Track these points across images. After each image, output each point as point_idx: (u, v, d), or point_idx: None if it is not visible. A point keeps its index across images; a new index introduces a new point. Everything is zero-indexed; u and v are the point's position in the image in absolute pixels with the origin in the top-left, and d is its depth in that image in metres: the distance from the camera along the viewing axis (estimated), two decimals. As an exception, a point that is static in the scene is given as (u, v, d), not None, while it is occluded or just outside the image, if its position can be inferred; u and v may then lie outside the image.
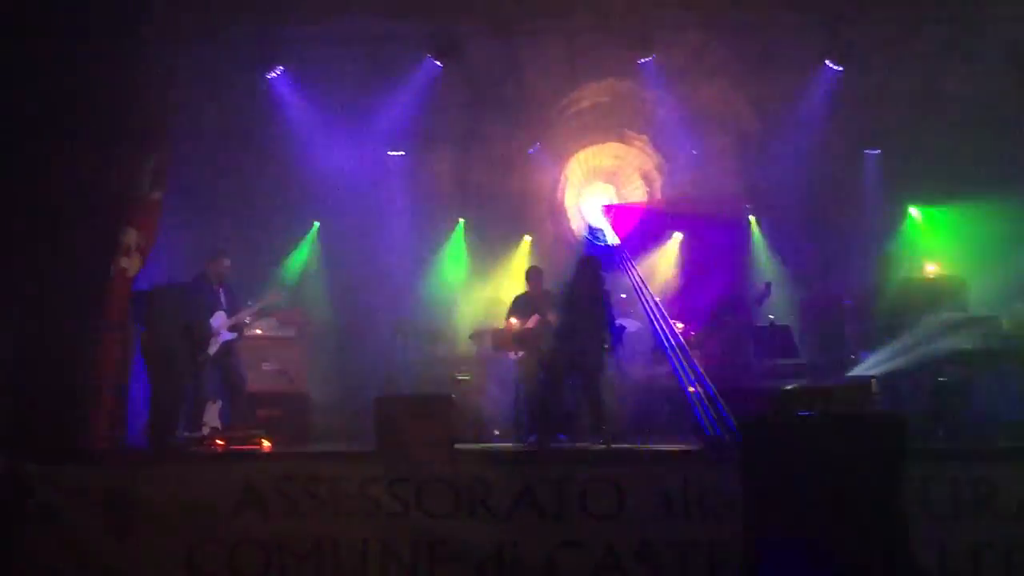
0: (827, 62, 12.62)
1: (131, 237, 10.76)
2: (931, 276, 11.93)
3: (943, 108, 13.06)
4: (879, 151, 14.25)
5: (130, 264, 10.77)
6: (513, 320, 12.06)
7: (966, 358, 10.86)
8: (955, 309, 11.18)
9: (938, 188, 13.65)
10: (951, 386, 10.77)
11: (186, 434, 10.68)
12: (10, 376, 9.55)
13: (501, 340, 12.23)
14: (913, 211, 14.41)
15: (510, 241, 15.05)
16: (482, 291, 14.65)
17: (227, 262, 11.75)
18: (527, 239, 15.03)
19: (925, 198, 14.20)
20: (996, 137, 12.77)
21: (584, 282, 11.03)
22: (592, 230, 15.06)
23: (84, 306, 10.16)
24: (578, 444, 10.49)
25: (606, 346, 11.04)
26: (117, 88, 10.53)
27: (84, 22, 10.23)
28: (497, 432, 12.12)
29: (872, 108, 13.51)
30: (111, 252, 10.55)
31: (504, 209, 14.87)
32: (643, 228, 14.93)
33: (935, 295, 11.37)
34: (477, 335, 13.10)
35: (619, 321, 12.79)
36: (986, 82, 12.09)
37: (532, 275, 12.64)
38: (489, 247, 15.03)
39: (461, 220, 15.24)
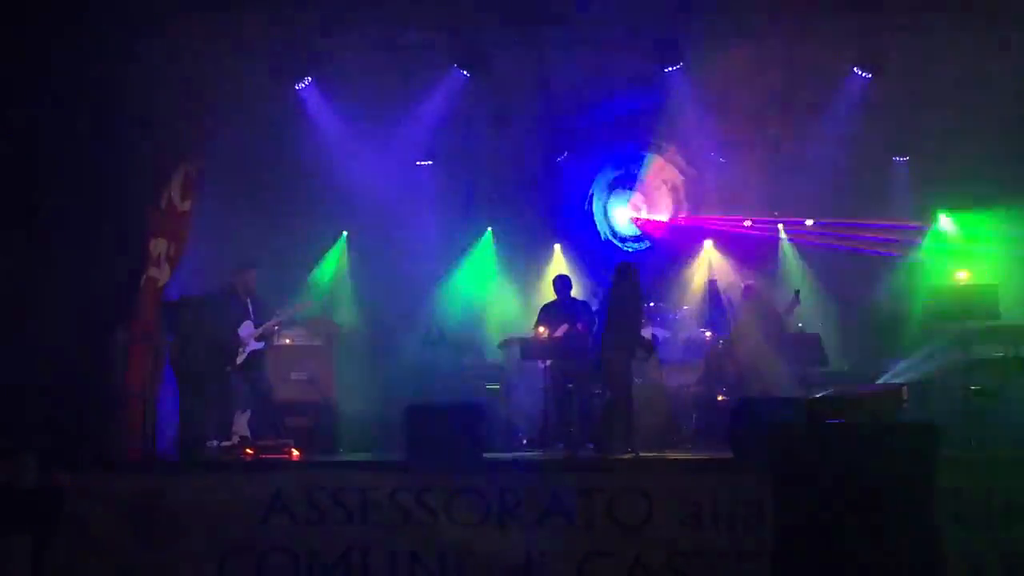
0: (856, 69, 12.55)
1: (161, 247, 10.83)
2: (962, 283, 11.83)
3: (972, 114, 12.98)
4: (908, 158, 14.19)
5: (160, 274, 10.84)
6: (542, 329, 12.04)
7: (997, 366, 10.79)
8: (986, 317, 11.10)
9: (968, 195, 13.60)
10: (983, 394, 10.70)
11: (216, 443, 10.72)
12: (42, 386, 9.62)
13: (530, 348, 12.21)
14: (943, 218, 14.35)
15: (540, 249, 15.06)
16: (512, 299, 14.67)
17: (255, 273, 11.80)
18: (557, 247, 15.04)
19: (955, 205, 14.14)
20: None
21: (624, 289, 10.96)
22: (622, 237, 15.10)
23: (114, 316, 10.23)
24: (606, 453, 10.46)
25: (638, 356, 10.99)
26: (148, 98, 10.61)
27: (118, 32, 10.33)
28: (525, 441, 12.11)
29: (901, 115, 13.45)
30: (142, 262, 10.62)
31: (533, 218, 14.90)
32: (673, 236, 14.96)
33: (966, 303, 11.29)
34: (506, 343, 13.08)
35: (651, 330, 12.81)
36: (1015, 88, 11.99)
37: (560, 283, 12.62)
38: (519, 255, 15.05)
39: (489, 228, 15.28)
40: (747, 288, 13.18)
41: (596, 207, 15.24)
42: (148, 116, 10.58)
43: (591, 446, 10.87)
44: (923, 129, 13.48)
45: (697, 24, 11.98)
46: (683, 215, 14.97)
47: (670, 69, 12.80)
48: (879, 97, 12.80)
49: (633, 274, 10.92)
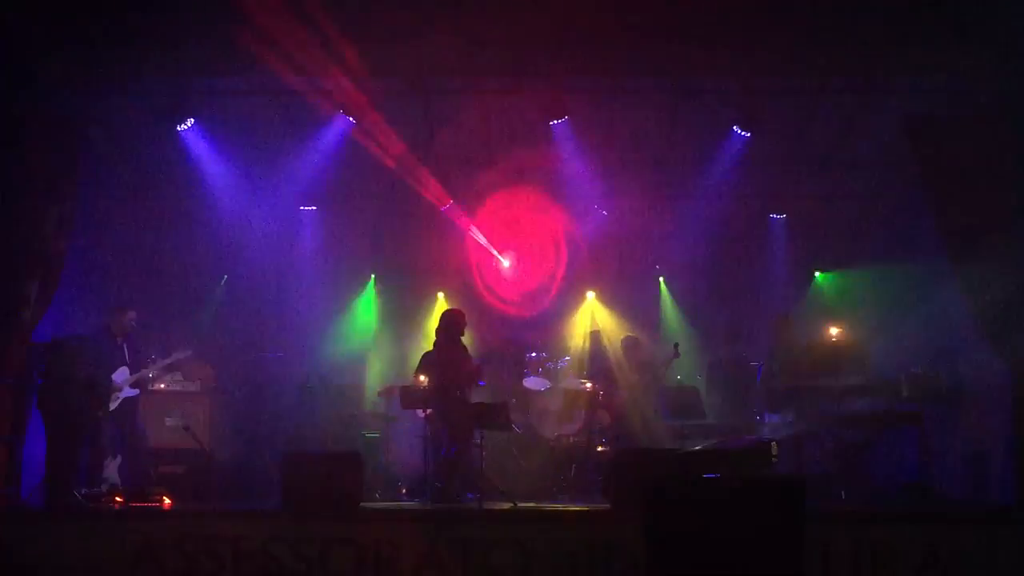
0: (735, 128, 12.84)
1: (33, 288, 10.55)
2: (834, 340, 12.12)
3: (846, 176, 13.42)
4: (785, 216, 14.54)
5: (29, 315, 10.55)
6: (422, 377, 11.99)
7: (866, 421, 11.07)
8: (856, 373, 11.38)
9: (841, 253, 14.04)
10: (852, 449, 10.97)
11: (84, 491, 10.41)
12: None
13: (410, 397, 12.15)
14: (817, 275, 14.77)
15: (423, 298, 15.03)
16: (394, 347, 14.61)
17: (132, 315, 11.58)
18: (440, 295, 15.03)
19: (829, 263, 14.57)
20: (896, 204, 13.12)
21: (446, 338, 11.42)
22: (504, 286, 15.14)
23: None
24: (485, 503, 10.44)
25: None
26: (24, 135, 10.40)
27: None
28: (405, 490, 12.03)
29: (778, 174, 13.80)
30: (13, 304, 10.35)
31: (417, 266, 14.89)
32: (555, 288, 15.03)
33: (837, 359, 11.56)
34: (386, 392, 13.00)
35: (529, 380, 12.92)
36: (885, 151, 12.41)
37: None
38: (401, 304, 15.02)
39: (372, 276, 15.23)
40: (627, 340, 13.34)
41: (479, 256, 15.25)
42: (24, 153, 10.38)
43: (471, 496, 10.84)
44: (799, 188, 13.88)
45: (582, 79, 12.14)
46: (563, 268, 15.05)
47: (556, 122, 12.94)
48: (757, 156, 13.09)
49: (452, 323, 11.38)
